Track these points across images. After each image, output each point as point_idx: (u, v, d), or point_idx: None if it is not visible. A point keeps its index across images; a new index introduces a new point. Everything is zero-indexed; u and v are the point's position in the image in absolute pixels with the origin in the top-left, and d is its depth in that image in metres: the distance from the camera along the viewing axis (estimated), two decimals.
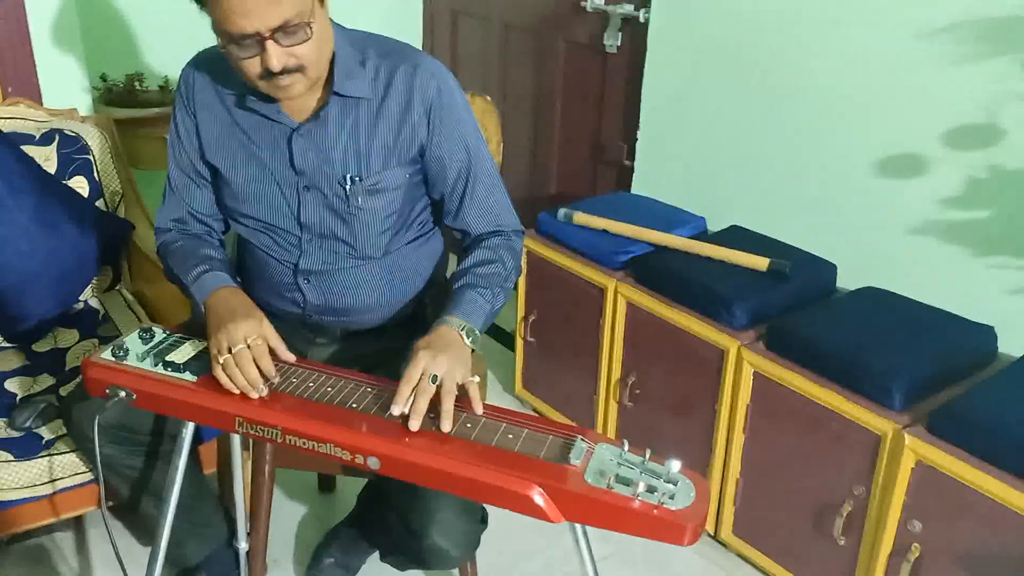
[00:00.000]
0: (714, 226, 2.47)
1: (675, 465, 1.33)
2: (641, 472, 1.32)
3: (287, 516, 2.30)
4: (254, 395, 1.49)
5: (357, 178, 1.66)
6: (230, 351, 1.50)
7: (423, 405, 1.41)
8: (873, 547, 1.83)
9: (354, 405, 1.48)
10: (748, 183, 2.42)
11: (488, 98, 2.04)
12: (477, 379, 1.48)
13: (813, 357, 1.90)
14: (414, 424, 1.39)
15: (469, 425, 1.43)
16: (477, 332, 1.56)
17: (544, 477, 1.32)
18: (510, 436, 1.41)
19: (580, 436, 1.40)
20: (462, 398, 1.45)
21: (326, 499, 2.38)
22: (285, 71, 1.49)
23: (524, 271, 2.56)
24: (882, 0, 2.02)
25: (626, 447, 1.37)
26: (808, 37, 2.20)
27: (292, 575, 2.14)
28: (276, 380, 1.53)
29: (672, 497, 1.29)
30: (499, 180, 1.78)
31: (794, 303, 2.09)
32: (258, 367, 1.50)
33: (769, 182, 2.37)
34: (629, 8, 2.66)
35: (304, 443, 1.45)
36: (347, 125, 1.65)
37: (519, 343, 2.68)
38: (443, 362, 1.44)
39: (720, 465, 2.13)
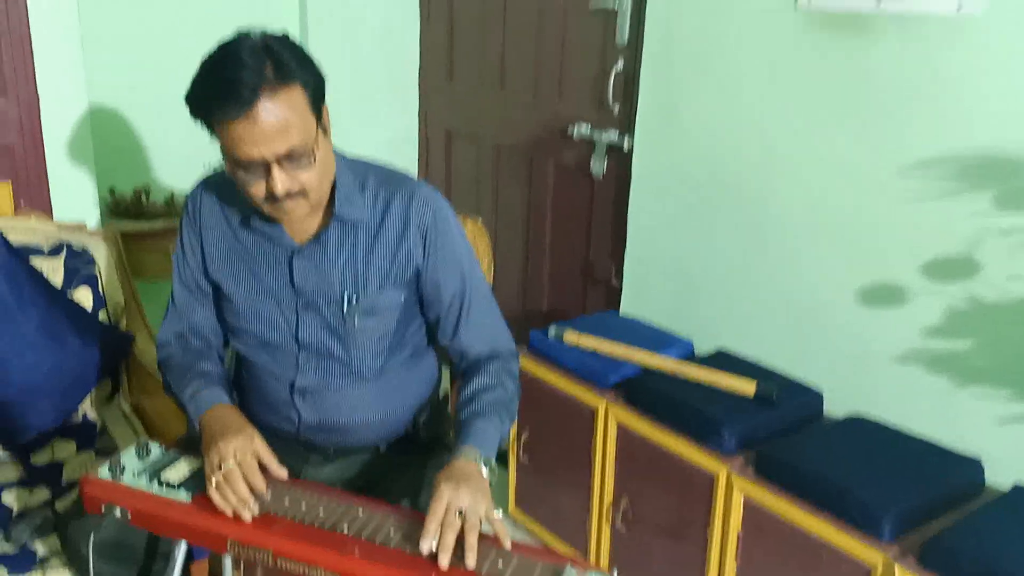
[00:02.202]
0: (701, 348, 2.51)
1: None
2: None
3: None
4: (246, 515, 1.52)
5: (354, 298, 1.71)
6: (219, 479, 1.53)
7: (451, 539, 1.42)
8: None
9: (346, 529, 1.50)
10: (734, 307, 2.47)
11: (479, 221, 2.11)
12: (501, 514, 1.51)
13: (802, 485, 1.92)
14: (444, 560, 1.41)
15: (459, 554, 1.45)
16: (493, 462, 1.60)
17: None
18: (500, 564, 1.43)
19: (570, 563, 1.42)
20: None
21: None
22: (288, 195, 1.56)
23: None
24: (863, 138, 2.09)
25: (615, 575, 1.38)
26: (784, 173, 2.27)
27: None
28: (268, 497, 1.55)
29: None
30: (493, 302, 1.84)
31: (782, 429, 2.12)
32: (249, 484, 1.53)
33: (754, 306, 2.41)
34: (613, 136, 2.75)
35: (296, 566, 1.47)
36: (346, 247, 1.71)
37: (512, 462, 2.68)
38: (466, 495, 1.47)
39: None
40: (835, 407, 2.22)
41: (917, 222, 2.02)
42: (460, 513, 1.45)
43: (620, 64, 2.70)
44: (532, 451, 2.61)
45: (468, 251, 1.80)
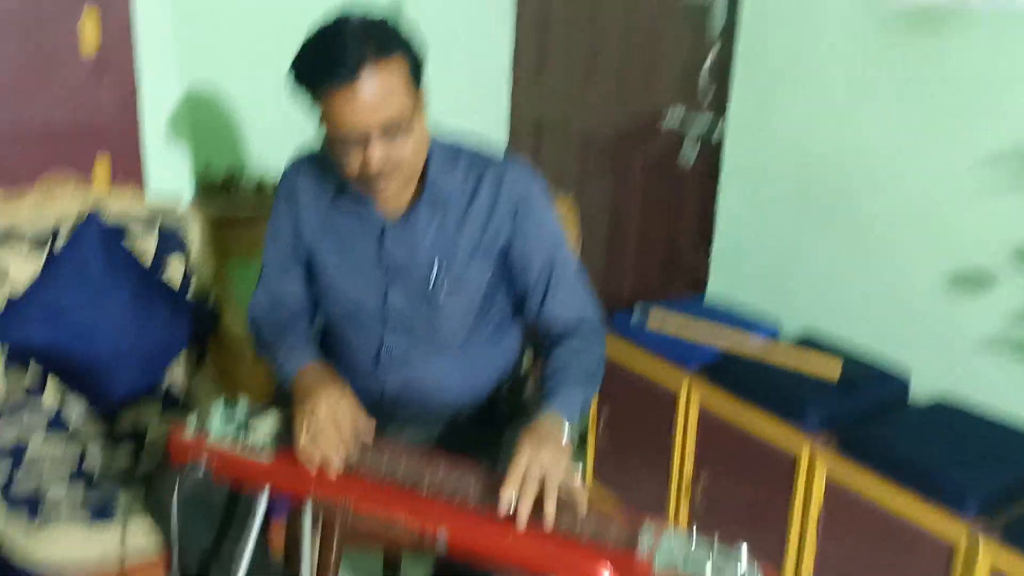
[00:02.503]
0: (787, 334, 2.49)
1: (743, 551, 1.34)
2: (709, 558, 1.33)
3: None
4: (332, 470, 1.54)
5: (442, 274, 1.73)
6: (312, 425, 1.55)
7: (530, 499, 1.42)
8: None
9: (426, 485, 1.51)
10: (821, 294, 2.45)
11: (569, 198, 2.11)
12: (579, 483, 1.48)
13: (885, 464, 1.89)
14: (523, 519, 1.41)
15: (537, 514, 1.45)
16: (574, 425, 1.59)
17: (613, 560, 1.33)
18: (578, 522, 1.43)
19: (647, 522, 1.41)
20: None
21: None
22: (383, 168, 1.58)
23: None
24: (948, 130, 2.09)
25: (694, 534, 1.38)
26: (869, 173, 2.28)
27: None
28: (354, 457, 1.57)
29: None
30: (582, 275, 1.83)
31: (866, 411, 2.09)
32: (338, 440, 1.55)
33: (842, 295, 2.39)
34: (703, 128, 2.76)
35: (374, 521, 1.49)
36: (435, 223, 1.73)
37: (591, 438, 2.69)
38: (547, 457, 1.46)
39: (792, 570, 2.09)
40: (921, 392, 2.19)
41: (1002, 210, 2.00)
42: (540, 474, 1.44)
43: (711, 57, 2.70)
44: (612, 429, 2.61)
45: (559, 226, 1.80)
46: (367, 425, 1.62)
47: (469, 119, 3.43)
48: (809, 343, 2.32)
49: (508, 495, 1.42)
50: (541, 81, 3.49)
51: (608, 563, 1.33)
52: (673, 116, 2.85)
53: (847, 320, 2.37)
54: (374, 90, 1.53)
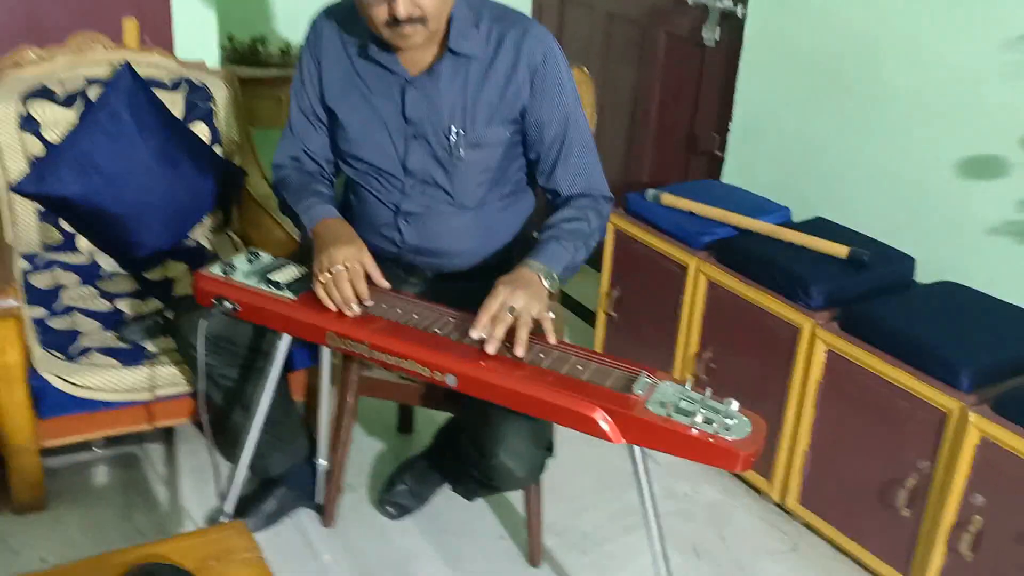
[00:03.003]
0: (799, 217, 2.52)
1: (733, 404, 1.42)
2: (700, 406, 1.41)
3: (366, 450, 2.42)
4: (348, 313, 1.63)
5: (461, 131, 1.78)
6: (331, 272, 1.64)
7: (500, 332, 1.54)
8: (935, 519, 1.87)
9: (437, 330, 1.60)
10: (834, 178, 2.47)
11: (586, 69, 2.14)
12: (551, 314, 1.59)
13: (885, 339, 1.95)
14: (491, 348, 1.53)
15: (542, 355, 1.54)
16: (555, 276, 1.67)
17: (609, 403, 1.42)
18: (579, 367, 1.51)
19: (645, 372, 1.49)
20: (539, 333, 1.57)
21: (404, 439, 2.49)
22: (409, 18, 1.62)
23: (610, 248, 2.64)
24: (965, 14, 2.08)
25: (688, 385, 1.45)
26: (895, 44, 2.26)
27: (365, 498, 2.25)
28: (370, 303, 1.65)
29: (728, 429, 1.37)
30: (593, 147, 1.88)
31: (871, 291, 2.13)
32: (354, 289, 1.64)
33: (854, 178, 2.42)
34: (728, 3, 2.73)
35: (389, 359, 1.57)
36: (457, 81, 1.77)
37: (601, 317, 2.76)
38: (520, 296, 1.57)
39: (790, 435, 2.18)
40: (928, 275, 2.23)
41: (1014, 97, 2.00)
42: (512, 311, 1.55)
43: None
44: (622, 307, 2.68)
45: (574, 94, 1.84)
46: (382, 280, 1.71)
47: None
48: (819, 228, 2.36)
49: (475, 333, 1.54)
50: None
51: (602, 409, 1.41)
52: None
53: (858, 206, 2.40)
54: None
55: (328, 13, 1.88)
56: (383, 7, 1.62)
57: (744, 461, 1.34)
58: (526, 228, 1.98)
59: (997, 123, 2.06)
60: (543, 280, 1.64)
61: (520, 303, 1.56)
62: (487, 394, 1.51)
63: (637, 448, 1.51)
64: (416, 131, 1.81)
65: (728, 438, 1.35)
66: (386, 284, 1.72)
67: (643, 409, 1.40)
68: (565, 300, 3.25)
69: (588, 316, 3.12)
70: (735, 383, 2.29)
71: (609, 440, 1.41)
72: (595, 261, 2.69)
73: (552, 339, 1.56)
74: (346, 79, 1.85)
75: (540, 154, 1.85)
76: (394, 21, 1.63)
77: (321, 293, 1.65)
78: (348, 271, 1.65)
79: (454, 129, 1.78)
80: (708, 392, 1.45)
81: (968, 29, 2.09)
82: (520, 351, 1.52)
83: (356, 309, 1.64)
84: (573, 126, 1.83)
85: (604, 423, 1.41)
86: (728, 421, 1.38)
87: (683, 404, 1.41)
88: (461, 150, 1.79)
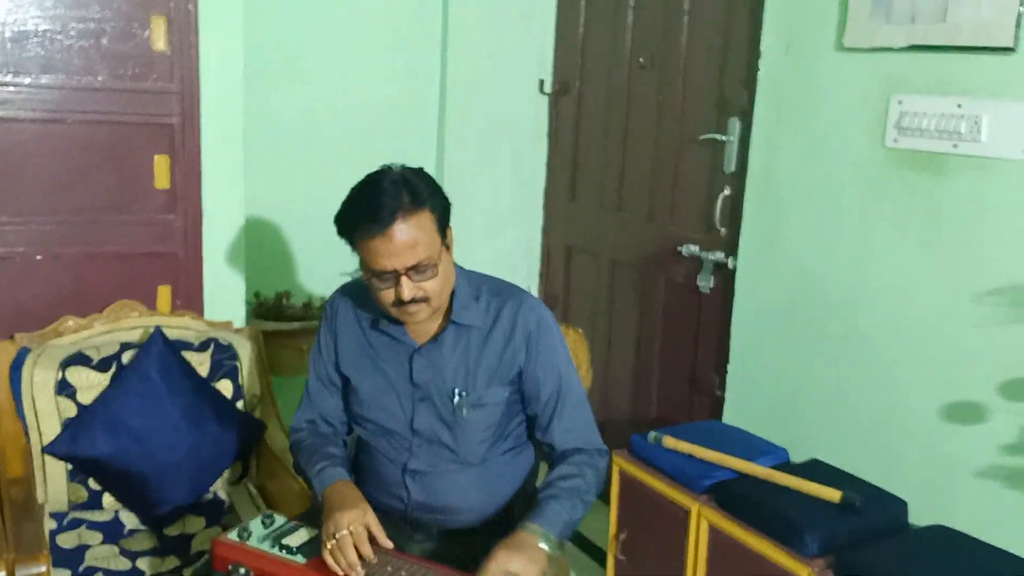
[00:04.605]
0: (797, 458, 2.60)
1: None
2: None
3: None
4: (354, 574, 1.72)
5: (464, 393, 1.94)
6: (336, 537, 1.75)
7: None
8: None
9: None
10: (827, 421, 2.56)
11: (580, 330, 2.30)
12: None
13: None
14: None
15: None
16: (553, 538, 1.77)
17: None
18: None
19: None
20: None
21: None
22: (413, 300, 1.82)
23: (617, 490, 2.72)
24: (944, 264, 2.22)
25: None
26: (870, 295, 2.40)
27: None
28: (375, 562, 1.75)
29: None
30: (586, 403, 2.03)
31: (865, 536, 2.18)
32: (358, 551, 1.75)
33: (845, 421, 2.50)
34: (720, 255, 2.93)
35: None
36: (460, 348, 1.95)
37: (610, 560, 2.80)
38: (517, 561, 1.68)
39: None
40: (921, 517, 2.28)
41: (993, 344, 2.12)
42: (509, 575, 1.64)
43: (727, 190, 2.90)
44: (630, 550, 2.72)
45: (566, 355, 2.02)
46: (386, 541, 1.81)
47: (505, 242, 3.72)
48: (814, 471, 2.43)
49: None
50: (572, 209, 3.74)
51: None
52: (692, 245, 3.04)
53: (852, 449, 2.47)
54: (405, 238, 1.77)
55: (343, 291, 2.08)
56: (391, 291, 1.82)
57: None
58: (528, 481, 2.10)
59: (975, 370, 2.16)
60: (541, 543, 1.74)
61: (517, 567, 1.66)
62: None
63: None
64: (423, 394, 1.96)
65: None
66: (389, 544, 1.82)
67: None
68: (575, 538, 3.28)
69: (598, 554, 3.16)
70: None
71: None
72: (605, 494, 2.76)
73: None
74: (359, 349, 2.03)
75: (537, 411, 1.99)
76: (400, 302, 1.81)
77: (329, 560, 1.76)
78: (352, 535, 1.76)
79: (457, 391, 1.94)
80: None
81: (940, 282, 2.22)
82: None
83: (361, 572, 1.74)
84: (566, 384, 1.99)
85: None
86: None
87: None
88: (464, 410, 1.94)
